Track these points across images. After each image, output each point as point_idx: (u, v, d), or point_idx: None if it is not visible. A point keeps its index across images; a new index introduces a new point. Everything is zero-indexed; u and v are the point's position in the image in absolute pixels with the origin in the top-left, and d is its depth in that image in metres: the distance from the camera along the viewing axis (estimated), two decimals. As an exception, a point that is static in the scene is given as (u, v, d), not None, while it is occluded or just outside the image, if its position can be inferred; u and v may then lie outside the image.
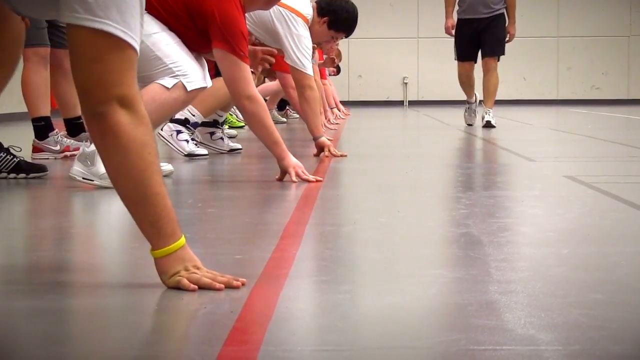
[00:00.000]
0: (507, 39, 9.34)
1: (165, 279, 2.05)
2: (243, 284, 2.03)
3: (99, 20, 1.96)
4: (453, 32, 9.47)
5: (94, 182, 4.01)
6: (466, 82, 9.54)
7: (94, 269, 2.44)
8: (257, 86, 7.65)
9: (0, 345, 1.67)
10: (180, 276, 2.03)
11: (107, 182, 3.98)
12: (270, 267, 2.29)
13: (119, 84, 2.00)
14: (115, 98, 2.00)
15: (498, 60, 9.32)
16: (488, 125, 9.03)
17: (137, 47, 2.02)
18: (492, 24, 9.25)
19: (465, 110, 9.77)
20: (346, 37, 6.15)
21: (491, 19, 9.26)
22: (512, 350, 1.58)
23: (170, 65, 4.10)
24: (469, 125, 9.57)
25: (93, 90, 2.00)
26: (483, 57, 9.32)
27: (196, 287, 2.01)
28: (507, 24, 9.33)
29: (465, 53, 9.39)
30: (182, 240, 2.07)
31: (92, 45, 1.97)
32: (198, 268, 2.05)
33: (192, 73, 4.13)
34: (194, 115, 5.77)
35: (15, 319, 1.86)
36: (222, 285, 2.01)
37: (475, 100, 9.62)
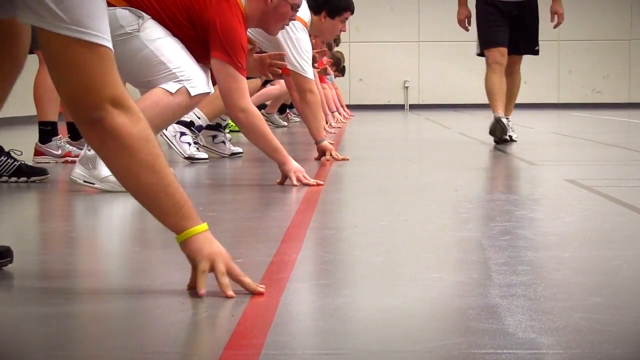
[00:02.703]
0: (555, 22, 7.23)
1: (200, 258, 2.03)
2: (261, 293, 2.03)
3: (68, 27, 1.92)
4: (468, 26, 7.37)
5: (95, 185, 4.02)
6: (498, 82, 7.07)
7: (95, 273, 2.44)
8: (257, 90, 7.67)
9: (2, 349, 1.67)
10: (223, 274, 2.01)
11: (108, 186, 3.99)
12: (271, 270, 2.29)
13: (106, 86, 1.97)
14: (106, 101, 1.97)
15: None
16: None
17: (111, 46, 1.99)
18: (526, 12, 7.20)
19: (494, 124, 6.99)
20: (352, 14, 6.16)
21: (523, 4, 7.20)
22: (513, 354, 1.58)
23: (174, 70, 4.10)
24: (503, 140, 6.95)
25: (82, 98, 1.97)
26: (509, 53, 7.21)
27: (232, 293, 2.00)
28: (551, 5, 7.29)
29: (495, 37, 7.15)
30: (206, 225, 2.08)
31: (69, 53, 1.94)
32: (229, 267, 2.04)
33: (196, 78, 4.12)
34: (199, 118, 5.78)
35: (17, 324, 1.86)
36: (233, 295, 1.99)
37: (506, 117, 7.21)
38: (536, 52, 7.33)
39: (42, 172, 4.55)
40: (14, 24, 2.24)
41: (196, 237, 2.05)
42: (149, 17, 4.17)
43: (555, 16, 7.22)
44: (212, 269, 2.03)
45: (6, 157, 4.50)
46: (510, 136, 6.97)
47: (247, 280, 2.02)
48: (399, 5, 19.40)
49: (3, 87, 2.29)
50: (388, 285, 2.18)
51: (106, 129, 1.99)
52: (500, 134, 6.86)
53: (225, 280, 2.01)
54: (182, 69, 4.11)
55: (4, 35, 2.23)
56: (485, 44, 7.19)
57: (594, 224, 3.20)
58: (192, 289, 2.04)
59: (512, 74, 7.24)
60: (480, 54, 7.29)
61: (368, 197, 4.01)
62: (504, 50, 7.12)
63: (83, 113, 2.00)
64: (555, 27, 7.28)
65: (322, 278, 2.25)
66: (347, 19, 6.18)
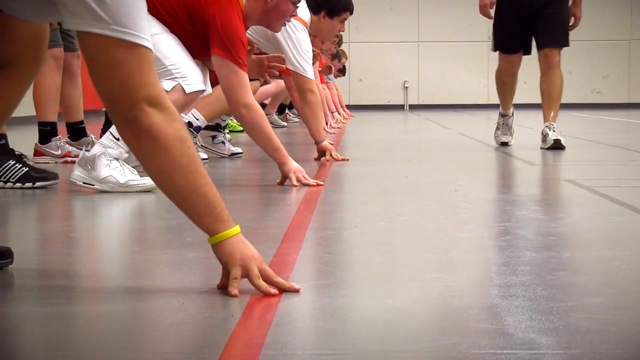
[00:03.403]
0: (571, 24, 6.65)
1: (232, 263, 2.04)
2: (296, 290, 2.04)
3: (109, 27, 1.94)
4: (492, 12, 6.70)
5: (95, 186, 4.02)
6: (507, 84, 6.84)
7: (94, 273, 2.45)
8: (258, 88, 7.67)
9: (2, 349, 1.67)
10: (258, 278, 2.02)
11: (108, 186, 3.99)
12: (271, 271, 2.29)
13: (143, 86, 1.99)
14: (143, 100, 1.99)
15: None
16: (557, 145, 6.40)
17: (151, 46, 2.02)
18: (552, 2, 6.59)
19: (498, 127, 7.02)
20: (351, 14, 6.17)
21: None
22: (512, 354, 1.58)
23: (170, 67, 4.10)
24: (503, 144, 6.92)
25: (119, 97, 1.99)
26: (541, 47, 6.64)
27: (237, 292, 2.01)
28: (570, 4, 6.67)
29: (511, 41, 6.69)
30: (239, 227, 2.09)
31: (108, 53, 1.96)
32: (262, 270, 2.05)
33: (191, 75, 4.13)
34: (197, 119, 5.78)
35: (17, 324, 1.86)
36: (277, 292, 2.01)
37: (512, 114, 7.00)
38: (566, 43, 6.67)
39: (50, 177, 4.33)
40: (41, 29, 2.26)
41: (229, 241, 2.06)
42: (147, 13, 4.17)
43: (572, 19, 6.65)
44: (246, 273, 2.03)
45: (14, 162, 4.38)
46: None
47: (281, 280, 2.04)
48: (398, 5, 19.41)
49: (20, 90, 2.31)
50: (388, 285, 2.18)
51: (142, 128, 2.00)
52: (504, 138, 6.77)
53: (262, 282, 2.02)
54: (177, 66, 4.11)
55: (30, 41, 2.26)
56: (500, 47, 6.75)
57: (594, 224, 3.20)
58: (222, 289, 2.05)
59: (550, 68, 6.59)
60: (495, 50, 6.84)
61: (368, 197, 4.01)
62: (514, 57, 6.70)
63: (120, 112, 2.01)
64: (570, 29, 6.68)
65: (322, 278, 2.25)
66: (345, 19, 6.19)
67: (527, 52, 6.72)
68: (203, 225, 2.08)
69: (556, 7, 6.57)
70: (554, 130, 6.49)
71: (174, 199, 2.08)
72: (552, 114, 6.59)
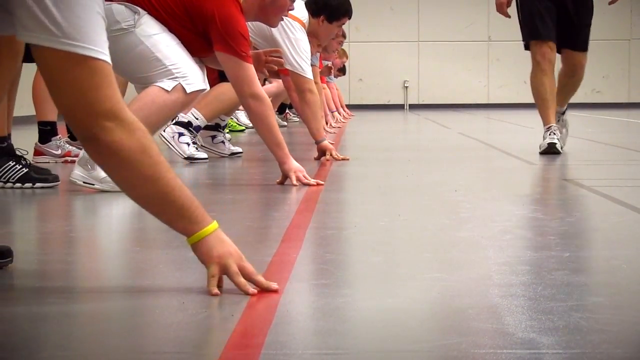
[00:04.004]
0: None
1: (210, 262, 2.03)
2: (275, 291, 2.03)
3: (58, 40, 1.89)
4: (508, 10, 6.19)
5: (95, 185, 4.02)
6: (547, 72, 6.05)
7: (94, 273, 2.45)
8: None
9: (2, 349, 1.67)
10: (237, 275, 2.01)
11: (108, 186, 3.98)
12: (270, 270, 2.29)
13: (98, 102, 1.94)
14: (100, 117, 1.95)
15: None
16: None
17: (108, 59, 1.96)
18: (578, 4, 6.27)
19: (548, 149, 5.92)
20: (349, 19, 6.20)
21: None
22: (512, 354, 1.58)
23: (170, 67, 4.10)
24: (549, 150, 5.92)
25: (77, 114, 1.96)
26: (568, 48, 6.31)
27: (219, 292, 2.00)
28: None
29: (547, 25, 6.09)
30: (216, 223, 2.08)
31: (60, 68, 1.92)
32: (241, 266, 2.03)
33: (192, 75, 4.13)
34: (197, 119, 5.78)
35: (17, 323, 1.86)
36: (255, 291, 2.00)
37: (559, 119, 6.22)
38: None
39: (51, 178, 4.29)
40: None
41: (205, 240, 2.05)
42: (145, 12, 4.17)
43: None
44: (224, 270, 2.03)
45: (14, 162, 4.36)
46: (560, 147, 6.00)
47: (260, 279, 2.03)
48: (399, 5, 19.41)
49: (1, 84, 2.29)
50: (388, 285, 2.18)
51: (103, 145, 1.98)
52: (553, 152, 5.90)
53: (241, 279, 2.01)
54: (177, 66, 4.11)
55: (6, 36, 2.22)
56: (530, 36, 6.13)
57: (594, 223, 3.20)
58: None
59: (577, 71, 6.35)
60: (527, 48, 6.26)
61: (368, 197, 4.01)
62: (554, 45, 6.11)
63: (79, 129, 1.99)
64: (610, 3, 6.33)
65: (322, 278, 2.25)
66: (344, 23, 6.23)
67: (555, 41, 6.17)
68: (179, 230, 2.07)
69: (584, 10, 6.32)
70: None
71: (145, 208, 2.08)
72: (564, 102, 6.32)
